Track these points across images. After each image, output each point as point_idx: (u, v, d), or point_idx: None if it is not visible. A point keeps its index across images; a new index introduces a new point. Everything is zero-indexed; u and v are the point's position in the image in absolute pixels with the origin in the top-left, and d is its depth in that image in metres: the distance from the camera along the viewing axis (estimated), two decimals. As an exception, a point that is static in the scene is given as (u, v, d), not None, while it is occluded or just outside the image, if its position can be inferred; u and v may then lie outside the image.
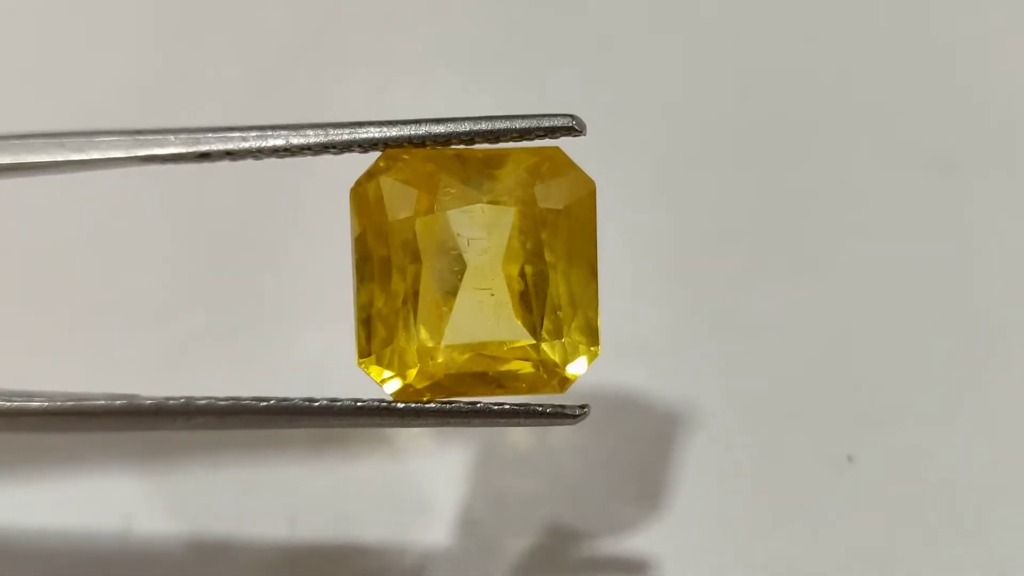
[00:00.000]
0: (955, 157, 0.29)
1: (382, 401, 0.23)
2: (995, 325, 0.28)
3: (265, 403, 0.23)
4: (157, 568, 0.27)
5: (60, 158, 0.23)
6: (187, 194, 0.29)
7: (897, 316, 0.28)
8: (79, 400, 0.23)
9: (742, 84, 0.30)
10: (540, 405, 0.23)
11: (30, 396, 0.23)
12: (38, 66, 0.30)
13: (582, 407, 0.23)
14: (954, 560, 0.27)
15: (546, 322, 0.23)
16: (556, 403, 0.23)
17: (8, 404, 0.23)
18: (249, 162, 0.24)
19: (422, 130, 0.23)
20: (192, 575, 0.27)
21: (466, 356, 0.23)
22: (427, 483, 0.27)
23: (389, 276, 0.23)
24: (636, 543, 0.27)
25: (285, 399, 0.23)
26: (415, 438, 0.27)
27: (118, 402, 0.23)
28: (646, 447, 0.27)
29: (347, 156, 0.23)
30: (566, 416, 0.23)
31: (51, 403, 0.23)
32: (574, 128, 0.23)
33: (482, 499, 0.27)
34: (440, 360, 0.23)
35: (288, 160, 0.24)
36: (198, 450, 0.27)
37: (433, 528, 0.27)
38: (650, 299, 0.28)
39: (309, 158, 0.24)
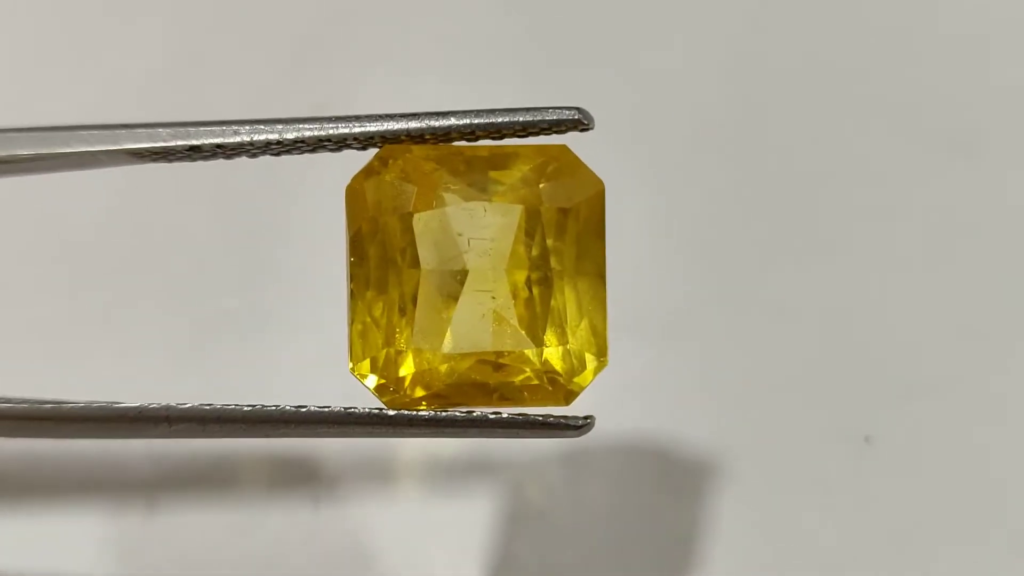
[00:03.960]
0: (976, 138, 0.29)
1: (373, 409, 0.22)
2: (1014, 306, 0.28)
3: (249, 408, 0.22)
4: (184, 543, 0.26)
5: (45, 151, 0.22)
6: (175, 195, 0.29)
7: (915, 297, 0.28)
8: (57, 404, 0.22)
9: (759, 64, 0.29)
10: (541, 416, 0.22)
11: (6, 400, 0.22)
12: (51, 54, 0.30)
13: (586, 418, 0.22)
14: (973, 539, 0.27)
15: (551, 331, 0.22)
16: (558, 415, 0.22)
17: (-18, 407, 0.22)
18: (260, 162, 0.23)
19: (421, 124, 0.22)
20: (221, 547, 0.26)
21: (466, 365, 0.22)
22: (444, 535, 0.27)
23: (386, 279, 0.22)
24: (655, 519, 0.27)
25: (272, 406, 0.22)
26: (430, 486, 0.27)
27: (96, 406, 0.22)
28: (664, 427, 0.27)
29: (349, 154, 0.22)
30: (568, 428, 0.22)
31: (29, 407, 0.22)
32: (581, 122, 0.21)
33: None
34: (439, 369, 0.22)
35: (293, 158, 0.23)
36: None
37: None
38: (667, 280, 0.28)
39: (308, 156, 0.23)
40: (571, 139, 0.22)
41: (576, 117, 0.21)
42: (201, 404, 0.21)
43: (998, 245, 0.28)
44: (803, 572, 0.26)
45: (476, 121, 0.22)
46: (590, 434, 0.24)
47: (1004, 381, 0.28)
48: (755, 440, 0.27)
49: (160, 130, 0.22)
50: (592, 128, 0.22)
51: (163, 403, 0.22)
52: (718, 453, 0.27)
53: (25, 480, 0.27)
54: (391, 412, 0.22)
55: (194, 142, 0.22)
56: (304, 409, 0.22)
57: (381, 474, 0.27)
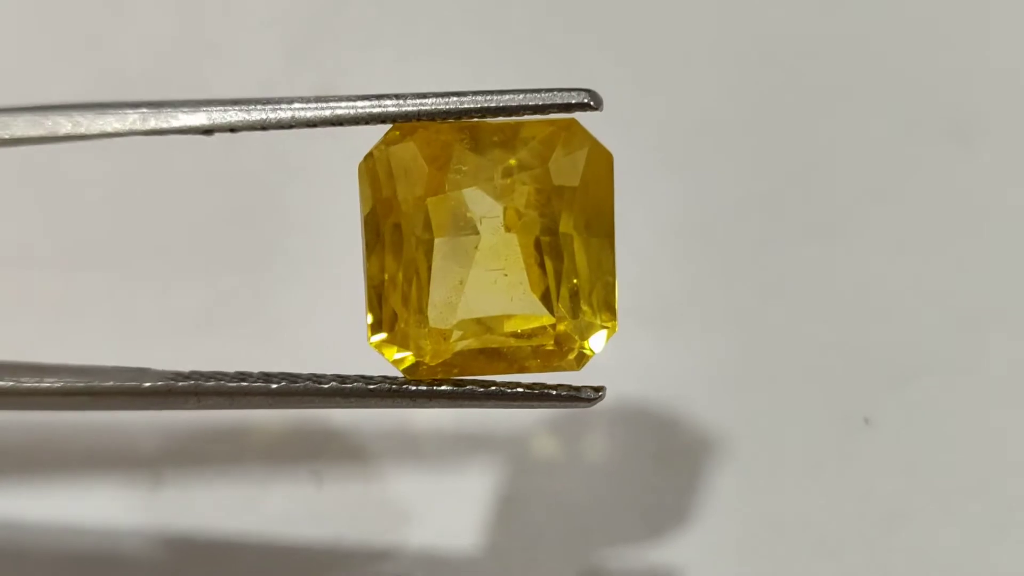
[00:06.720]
0: (972, 123, 0.29)
1: (393, 382, 0.23)
2: (1010, 288, 0.28)
3: (276, 384, 0.22)
4: (182, 523, 0.27)
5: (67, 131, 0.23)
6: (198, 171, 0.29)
7: (913, 279, 0.28)
8: (89, 381, 0.23)
9: (761, 50, 0.29)
10: (555, 388, 0.23)
11: (41, 374, 0.23)
12: (56, 37, 0.30)
13: (597, 389, 0.23)
14: (970, 521, 0.27)
15: (562, 297, 0.23)
16: (571, 385, 0.23)
17: (20, 385, 0.23)
18: (265, 141, 0.23)
19: (432, 103, 0.22)
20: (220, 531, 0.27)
21: (480, 333, 0.23)
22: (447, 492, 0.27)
23: (400, 253, 0.22)
24: (653, 502, 0.27)
25: (294, 380, 0.23)
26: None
27: (128, 383, 0.23)
28: (665, 409, 0.27)
29: (355, 134, 0.23)
30: (581, 399, 0.23)
31: (63, 384, 0.23)
32: (589, 104, 0.22)
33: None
34: (453, 338, 0.23)
35: (300, 136, 0.23)
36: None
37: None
38: (668, 263, 0.28)
39: (313, 132, 0.23)
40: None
41: (585, 100, 0.22)
42: (227, 381, 0.22)
43: (996, 229, 0.28)
44: (800, 552, 0.27)
45: (487, 103, 0.22)
46: (591, 413, 0.25)
47: (1003, 363, 0.28)
48: (754, 421, 0.27)
49: (174, 110, 0.23)
50: (600, 109, 0.22)
51: (192, 379, 0.22)
52: (718, 434, 0.27)
53: (31, 455, 0.27)
54: (411, 386, 0.22)
55: (207, 122, 0.22)
56: (326, 384, 0.22)
57: (384, 448, 0.27)
